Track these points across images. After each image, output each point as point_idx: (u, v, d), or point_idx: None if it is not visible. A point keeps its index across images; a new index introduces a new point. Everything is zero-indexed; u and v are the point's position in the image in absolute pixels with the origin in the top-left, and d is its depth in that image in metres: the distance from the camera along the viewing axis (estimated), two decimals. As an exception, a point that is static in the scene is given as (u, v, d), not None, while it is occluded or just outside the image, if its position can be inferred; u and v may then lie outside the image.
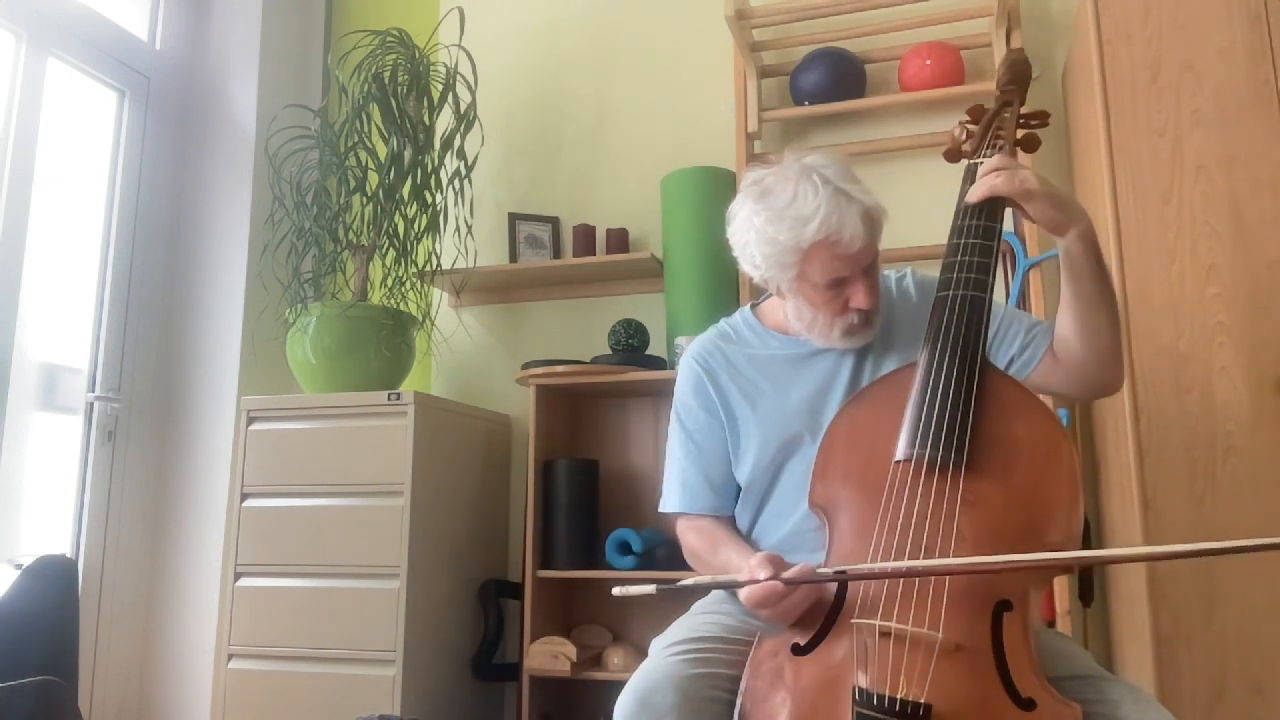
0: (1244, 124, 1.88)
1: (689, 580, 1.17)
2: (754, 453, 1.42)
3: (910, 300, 1.48)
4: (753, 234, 1.36)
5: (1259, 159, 1.86)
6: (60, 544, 2.46)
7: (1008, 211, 1.35)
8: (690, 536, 1.45)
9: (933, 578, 1.09)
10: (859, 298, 1.35)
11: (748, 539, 1.43)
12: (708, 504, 1.45)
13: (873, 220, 1.33)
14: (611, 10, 2.93)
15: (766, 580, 1.12)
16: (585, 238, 2.71)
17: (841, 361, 1.43)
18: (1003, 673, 1.03)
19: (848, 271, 1.33)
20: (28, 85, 2.41)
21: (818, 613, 1.15)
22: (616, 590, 1.16)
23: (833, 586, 1.15)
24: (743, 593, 1.16)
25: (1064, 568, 1.18)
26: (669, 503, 1.49)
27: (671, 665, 1.17)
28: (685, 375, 1.51)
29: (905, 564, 1.09)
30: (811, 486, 1.26)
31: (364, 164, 2.61)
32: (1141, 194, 1.91)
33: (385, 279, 2.65)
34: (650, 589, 1.10)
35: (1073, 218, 1.27)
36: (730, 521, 1.46)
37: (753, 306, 1.56)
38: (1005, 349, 1.42)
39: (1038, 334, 1.42)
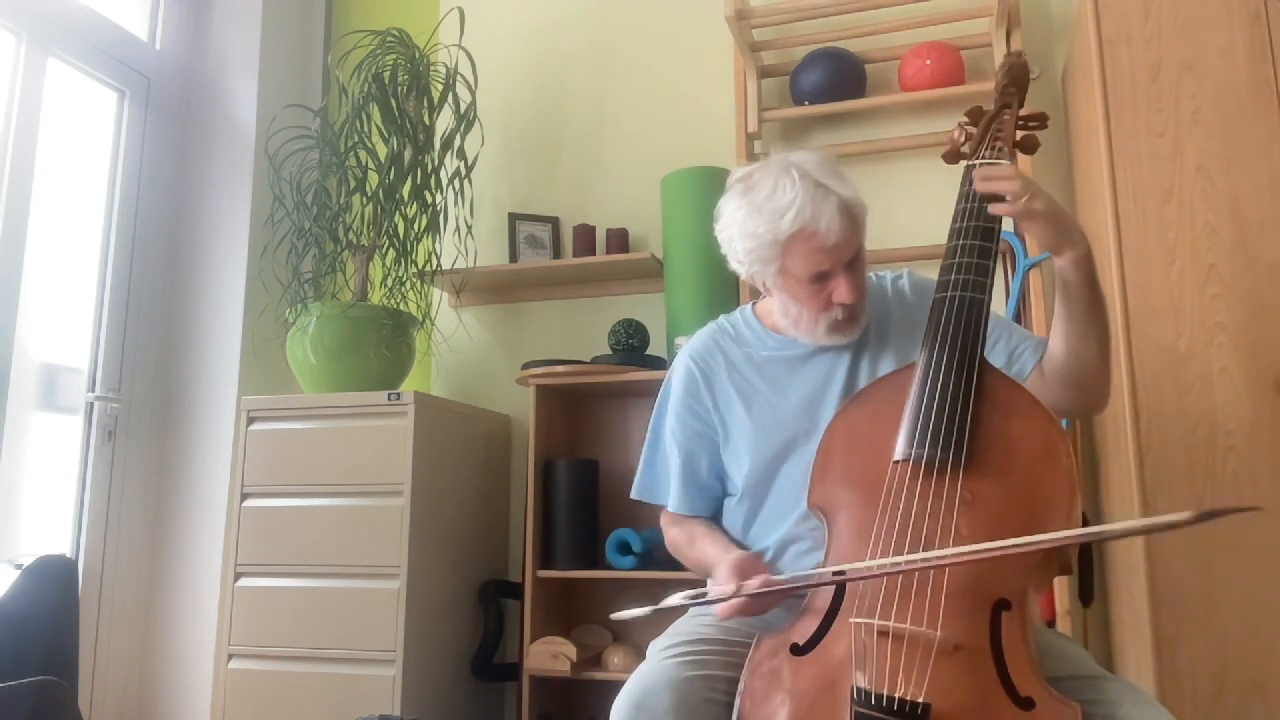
0: (1244, 124, 1.88)
1: (675, 599, 1.22)
2: (749, 454, 1.42)
3: (906, 301, 1.48)
4: (735, 229, 1.38)
5: (1259, 159, 1.86)
6: (60, 544, 2.46)
7: None
8: (672, 530, 1.53)
9: (930, 576, 1.09)
10: (841, 292, 1.35)
11: (743, 539, 1.43)
12: (689, 505, 1.50)
13: (851, 213, 1.34)
14: (611, 10, 2.93)
15: (732, 598, 1.20)
16: (585, 238, 2.71)
17: (837, 363, 1.43)
18: (1001, 672, 1.03)
19: (828, 264, 1.34)
20: (28, 85, 2.41)
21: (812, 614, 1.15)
22: (615, 616, 1.28)
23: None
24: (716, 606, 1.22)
25: (1059, 564, 1.17)
26: (649, 493, 1.55)
27: (668, 667, 1.17)
28: (681, 374, 1.52)
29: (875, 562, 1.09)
30: (810, 487, 1.26)
31: (364, 164, 2.61)
32: (1141, 194, 1.91)
33: (385, 279, 2.65)
34: (647, 611, 1.21)
35: (1071, 241, 1.26)
36: (706, 519, 1.51)
37: (753, 306, 1.57)
38: (992, 360, 1.42)
39: (1026, 349, 1.42)
